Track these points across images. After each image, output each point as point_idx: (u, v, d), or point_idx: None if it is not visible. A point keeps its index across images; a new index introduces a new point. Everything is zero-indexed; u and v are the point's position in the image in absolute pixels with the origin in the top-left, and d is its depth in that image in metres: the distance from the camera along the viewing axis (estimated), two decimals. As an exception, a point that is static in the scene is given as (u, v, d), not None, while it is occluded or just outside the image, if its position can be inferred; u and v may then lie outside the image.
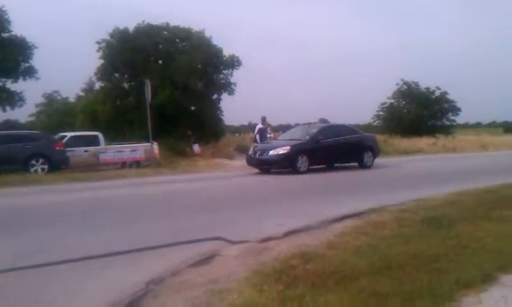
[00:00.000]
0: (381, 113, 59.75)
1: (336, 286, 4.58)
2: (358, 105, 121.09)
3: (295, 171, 16.80)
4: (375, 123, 61.12)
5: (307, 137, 18.19)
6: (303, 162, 17.16)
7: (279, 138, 20.24)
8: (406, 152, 31.89)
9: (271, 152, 17.28)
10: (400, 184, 14.07)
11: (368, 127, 61.49)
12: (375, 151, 19.79)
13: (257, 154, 17.80)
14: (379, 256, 5.49)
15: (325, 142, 18.00)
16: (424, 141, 39.85)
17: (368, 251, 5.80)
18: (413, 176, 16.87)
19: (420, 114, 54.88)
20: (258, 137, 22.15)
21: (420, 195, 10.25)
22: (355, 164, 19.08)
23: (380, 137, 41.18)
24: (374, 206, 9.07)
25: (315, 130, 18.64)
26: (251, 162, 18.17)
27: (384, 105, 59.18)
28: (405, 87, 58.71)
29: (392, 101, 59.23)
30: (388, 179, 16.36)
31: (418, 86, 58.45)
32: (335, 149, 18.22)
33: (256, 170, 18.04)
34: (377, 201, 9.56)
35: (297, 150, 17.32)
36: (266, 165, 17.62)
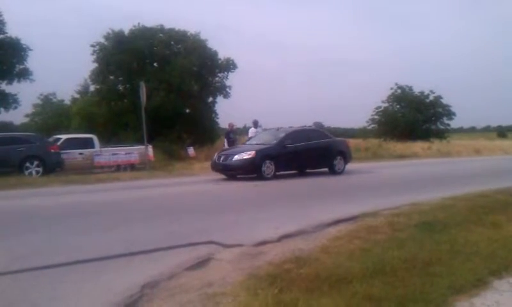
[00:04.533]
0: (375, 117, 59.96)
1: (330, 290, 4.60)
2: (354, 108, 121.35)
3: (260, 177, 16.28)
4: (370, 127, 61.33)
5: (274, 142, 17.58)
6: (268, 167, 16.56)
7: (246, 142, 19.68)
8: (401, 156, 32.01)
9: (235, 157, 16.72)
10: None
11: (363, 131, 61.82)
12: (346, 156, 19.28)
13: (221, 159, 17.24)
14: (373, 260, 5.51)
15: (293, 147, 17.38)
16: (418, 145, 40.01)
17: (362, 255, 5.83)
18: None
19: (414, 118, 55.11)
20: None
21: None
22: (326, 169, 18.66)
23: (375, 141, 41.56)
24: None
25: (282, 135, 17.99)
26: (215, 167, 17.55)
27: (379, 109, 59.40)
28: (399, 91, 58.90)
29: (387, 105, 59.42)
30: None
31: (412, 90, 58.70)
32: (303, 155, 17.64)
33: (222, 176, 17.44)
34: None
35: (263, 155, 16.64)
36: (230, 171, 17.02)
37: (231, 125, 23.42)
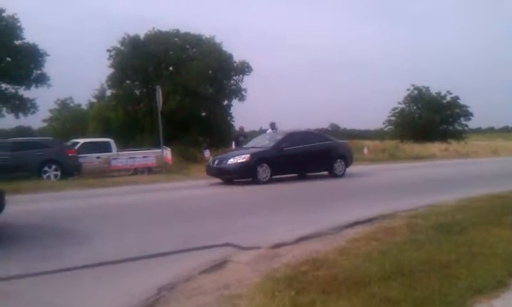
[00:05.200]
0: (392, 118, 59.66)
1: (348, 292, 4.58)
2: (370, 109, 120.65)
3: (255, 181, 15.75)
4: (386, 128, 61.08)
5: (270, 145, 17.11)
6: (264, 171, 15.97)
7: (244, 146, 18.98)
8: (418, 157, 31.77)
9: (230, 161, 16.17)
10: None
11: (379, 132, 61.55)
12: (347, 159, 18.53)
13: (216, 163, 16.72)
14: (391, 262, 5.47)
15: (290, 149, 16.79)
16: (435, 146, 39.68)
17: (380, 257, 5.79)
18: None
19: (431, 119, 54.70)
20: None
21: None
22: (326, 172, 17.96)
23: (392, 143, 41.27)
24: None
25: (279, 137, 17.50)
26: (210, 171, 16.97)
27: (396, 111, 59.09)
28: (416, 92, 58.54)
29: (403, 106, 59.13)
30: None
31: (428, 90, 58.28)
32: (301, 158, 17.03)
33: (218, 180, 16.85)
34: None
35: (258, 159, 16.13)
36: (225, 175, 16.46)
37: (241, 128, 23.46)
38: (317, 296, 4.50)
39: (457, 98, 56.28)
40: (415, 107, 58.49)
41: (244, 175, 16.04)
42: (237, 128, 28.90)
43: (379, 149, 34.18)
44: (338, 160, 18.03)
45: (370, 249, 6.31)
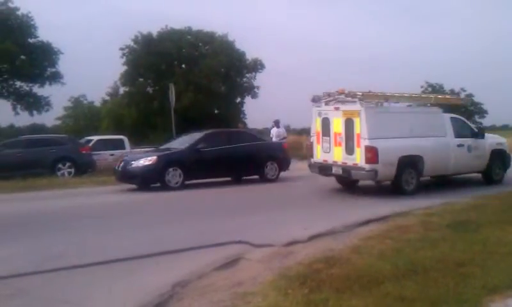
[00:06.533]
0: (405, 115, 59.25)
1: (361, 291, 4.57)
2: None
3: (164, 186, 13.71)
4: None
5: (185, 146, 15.04)
6: (174, 175, 13.90)
7: (160, 147, 16.98)
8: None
9: (133, 164, 14.09)
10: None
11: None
12: (282, 161, 16.26)
13: (120, 165, 14.43)
14: (405, 261, 5.46)
15: (210, 151, 14.69)
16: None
17: (394, 255, 5.77)
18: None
19: (445, 116, 54.20)
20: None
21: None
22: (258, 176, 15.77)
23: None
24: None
25: (196, 137, 15.44)
26: (115, 174, 14.82)
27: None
28: (429, 89, 58.16)
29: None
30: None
31: (442, 88, 57.83)
32: (224, 160, 14.93)
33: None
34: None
35: (167, 161, 14.12)
36: (129, 179, 14.34)
37: (241, 126, 23.24)
38: (330, 294, 4.49)
39: (471, 95, 55.80)
40: (428, 105, 58.18)
41: (150, 180, 14.14)
42: (255, 125, 28.66)
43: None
44: (270, 162, 15.87)
45: (383, 247, 6.29)
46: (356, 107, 11.75)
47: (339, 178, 13.26)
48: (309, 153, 13.78)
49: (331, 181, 13.46)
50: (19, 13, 33.26)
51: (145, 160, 13.99)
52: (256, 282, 5.14)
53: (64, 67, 35.72)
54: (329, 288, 4.68)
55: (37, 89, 35.05)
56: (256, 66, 37.32)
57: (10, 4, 32.86)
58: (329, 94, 12.75)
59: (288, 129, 26.34)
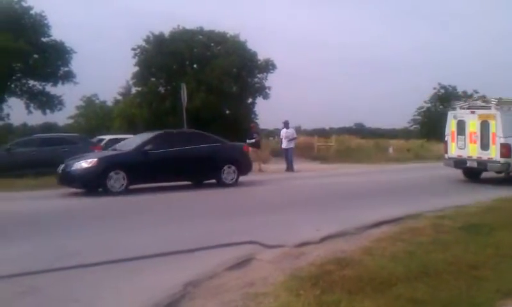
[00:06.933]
0: (417, 117, 59.24)
1: (373, 293, 4.55)
2: (395, 108, 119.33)
3: (106, 191, 12.88)
4: (411, 128, 60.69)
5: (131, 147, 14.26)
6: (117, 179, 12.97)
7: (110, 148, 16.24)
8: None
9: (73, 166, 13.28)
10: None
11: (405, 132, 61.10)
12: (241, 165, 15.38)
13: (61, 168, 13.66)
14: (417, 263, 5.43)
15: (159, 153, 13.74)
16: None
17: (406, 258, 5.75)
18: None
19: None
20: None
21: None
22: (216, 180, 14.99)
23: (417, 142, 40.81)
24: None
25: (144, 138, 14.73)
26: (56, 176, 13.96)
27: (421, 110, 58.65)
28: (442, 91, 57.97)
29: (429, 105, 58.69)
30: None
31: (455, 89, 57.61)
32: (175, 163, 14.06)
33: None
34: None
35: (109, 164, 13.28)
36: (68, 182, 13.61)
37: (253, 126, 23.50)
38: (342, 296, 4.48)
39: (483, 97, 55.41)
40: (441, 106, 57.92)
41: (90, 184, 13.28)
42: (266, 126, 28.71)
43: (404, 148, 33.81)
44: (227, 166, 14.94)
45: (395, 249, 6.26)
46: (492, 111, 14.22)
47: (468, 171, 15.57)
48: (444, 150, 16.07)
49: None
50: (32, 12, 33.65)
51: (85, 163, 13.21)
52: (268, 282, 5.14)
53: (77, 66, 36.06)
54: (341, 289, 4.67)
55: (50, 88, 35.48)
56: (268, 66, 37.30)
57: (23, 3, 33.19)
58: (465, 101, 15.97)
59: (298, 130, 26.39)
